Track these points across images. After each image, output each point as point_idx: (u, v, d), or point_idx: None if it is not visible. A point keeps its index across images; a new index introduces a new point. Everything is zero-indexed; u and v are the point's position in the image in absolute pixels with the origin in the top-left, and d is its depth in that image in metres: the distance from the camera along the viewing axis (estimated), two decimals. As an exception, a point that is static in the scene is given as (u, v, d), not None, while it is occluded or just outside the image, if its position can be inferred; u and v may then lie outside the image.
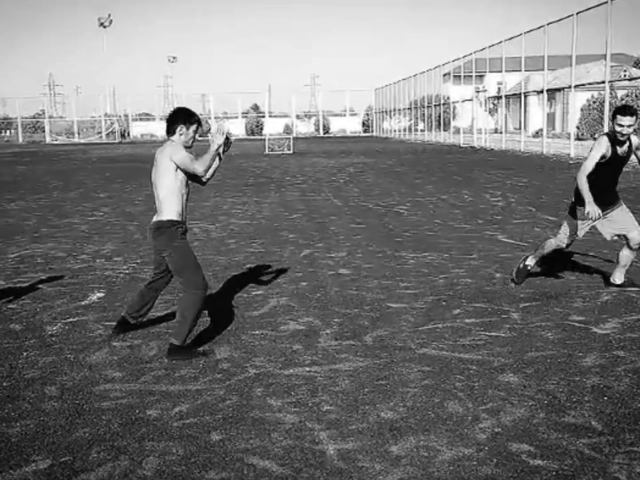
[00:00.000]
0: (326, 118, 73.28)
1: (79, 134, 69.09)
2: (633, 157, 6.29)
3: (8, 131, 77.55)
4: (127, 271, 7.67)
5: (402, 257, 8.14)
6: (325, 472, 3.25)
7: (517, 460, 3.31)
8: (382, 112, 64.45)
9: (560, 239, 6.41)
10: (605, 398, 3.99)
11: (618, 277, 6.46)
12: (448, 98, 46.26)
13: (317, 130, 71.64)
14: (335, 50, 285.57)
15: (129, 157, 33.26)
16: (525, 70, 32.30)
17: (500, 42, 33.76)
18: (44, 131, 69.39)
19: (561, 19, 27.31)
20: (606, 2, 23.18)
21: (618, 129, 5.92)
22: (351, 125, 72.42)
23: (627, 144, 6.08)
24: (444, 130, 46.88)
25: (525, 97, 34.33)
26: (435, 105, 47.60)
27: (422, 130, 51.54)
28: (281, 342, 5.14)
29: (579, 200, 6.12)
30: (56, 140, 65.89)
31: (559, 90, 38.94)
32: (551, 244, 6.49)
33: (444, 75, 44.78)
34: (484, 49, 36.57)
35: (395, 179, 18.82)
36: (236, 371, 4.55)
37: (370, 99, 71.28)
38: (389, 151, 34.54)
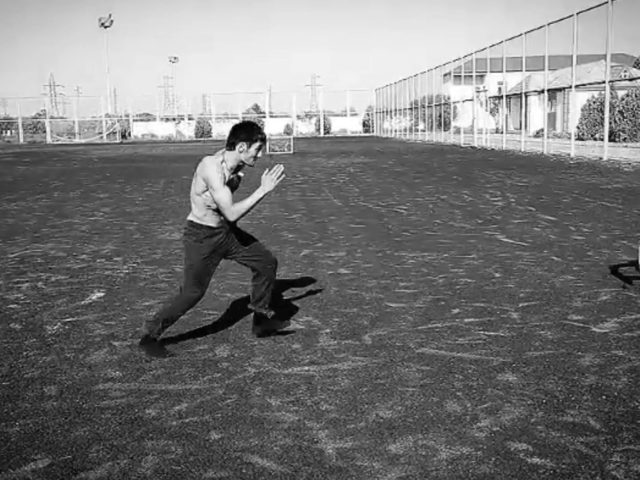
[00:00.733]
0: (327, 118, 73.27)
1: (80, 134, 69.14)
2: None
3: (9, 131, 77.54)
4: (127, 271, 7.68)
5: (401, 257, 8.15)
6: (323, 470, 3.26)
7: (516, 459, 3.32)
8: (383, 112, 64.44)
9: None
10: (604, 397, 4.00)
11: None
12: (448, 98, 46.24)
13: (318, 130, 71.64)
14: (335, 50, 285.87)
15: (130, 158, 33.28)
16: (526, 70, 32.28)
17: (501, 42, 33.74)
18: (44, 131, 69.43)
19: (562, 19, 27.30)
20: (606, 2, 23.18)
21: None
22: (352, 126, 72.40)
23: None
24: (445, 130, 46.88)
25: (526, 97, 34.32)
26: (435, 105, 47.58)
27: (422, 130, 51.52)
28: (280, 341, 5.15)
29: None
30: (57, 140, 65.95)
31: (559, 90, 38.96)
32: None
33: (445, 75, 44.79)
34: (484, 48, 36.54)
35: (396, 179, 18.82)
36: (235, 370, 4.56)
37: (371, 99, 71.35)
38: (389, 151, 34.53)
